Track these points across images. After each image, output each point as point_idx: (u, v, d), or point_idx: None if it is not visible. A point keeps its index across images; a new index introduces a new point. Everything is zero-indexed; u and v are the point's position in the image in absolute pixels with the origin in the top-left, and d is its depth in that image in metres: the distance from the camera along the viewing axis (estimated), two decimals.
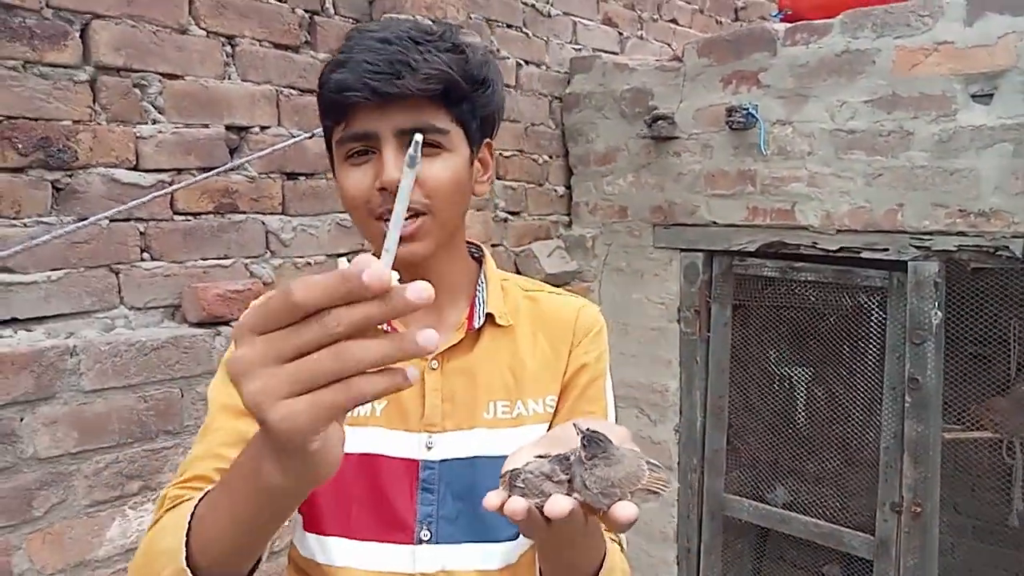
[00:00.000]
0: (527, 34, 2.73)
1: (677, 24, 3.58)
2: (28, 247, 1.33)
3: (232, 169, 1.76)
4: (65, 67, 1.52)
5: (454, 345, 0.89)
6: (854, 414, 2.51)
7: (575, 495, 0.59)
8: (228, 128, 1.79)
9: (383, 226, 0.82)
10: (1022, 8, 1.94)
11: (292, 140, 1.83)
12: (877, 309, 2.34)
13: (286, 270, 1.90)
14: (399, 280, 0.47)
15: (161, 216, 1.67)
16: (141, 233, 1.64)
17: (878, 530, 2.27)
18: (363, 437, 0.86)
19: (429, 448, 0.86)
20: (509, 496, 0.59)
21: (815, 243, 2.31)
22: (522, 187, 2.72)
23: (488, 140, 0.91)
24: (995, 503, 2.73)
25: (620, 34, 3.22)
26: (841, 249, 2.27)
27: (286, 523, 0.64)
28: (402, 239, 0.80)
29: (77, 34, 1.53)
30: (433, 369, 0.88)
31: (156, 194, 1.56)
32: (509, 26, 2.65)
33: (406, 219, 0.80)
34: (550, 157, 2.84)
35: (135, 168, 1.63)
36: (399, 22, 0.86)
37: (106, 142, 1.58)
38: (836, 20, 2.24)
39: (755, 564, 3.01)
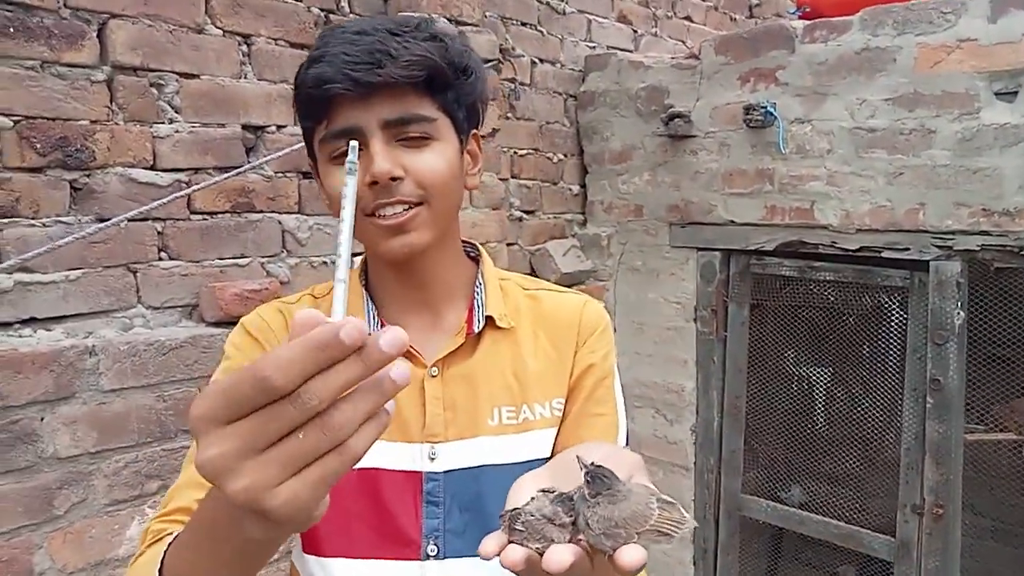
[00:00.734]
0: (542, 32, 2.71)
1: (691, 21, 3.55)
2: (52, 248, 1.33)
3: (252, 169, 1.75)
4: (83, 67, 1.52)
5: (454, 350, 0.85)
6: (873, 415, 2.48)
7: (580, 537, 0.54)
8: (244, 127, 1.78)
9: (377, 222, 0.78)
10: None
11: None
12: (898, 309, 2.32)
13: (302, 269, 1.89)
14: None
15: (178, 215, 1.67)
16: (158, 232, 1.64)
17: (899, 532, 2.25)
18: None
19: (432, 459, 0.82)
20: (509, 540, 0.55)
21: (834, 242, 2.29)
22: (537, 185, 2.70)
23: (475, 132, 0.87)
24: (1015, 505, 2.70)
25: (634, 31, 3.20)
26: (861, 249, 2.24)
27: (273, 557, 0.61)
28: (396, 230, 0.79)
29: (94, 34, 1.52)
30: (433, 376, 0.84)
31: (177, 195, 1.56)
32: (524, 24, 2.64)
33: (400, 211, 0.78)
34: (565, 155, 2.82)
35: (152, 168, 1.63)
36: (372, 18, 0.83)
37: (123, 142, 1.58)
38: (855, 17, 2.21)
39: (770, 564, 2.99)
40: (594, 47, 2.95)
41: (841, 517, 2.45)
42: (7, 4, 1.40)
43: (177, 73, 1.65)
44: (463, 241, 0.93)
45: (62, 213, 1.50)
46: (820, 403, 2.71)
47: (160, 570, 0.62)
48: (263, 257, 1.82)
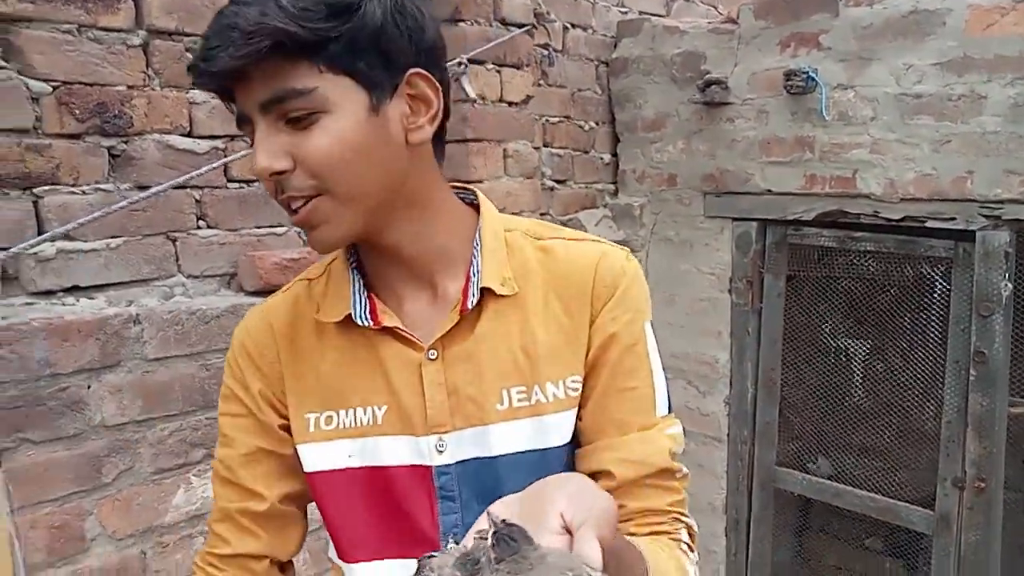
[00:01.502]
0: None
1: None
2: (96, 217, 1.32)
3: None
4: (119, 31, 1.49)
5: (451, 328, 0.75)
6: (913, 387, 2.45)
7: None
8: None
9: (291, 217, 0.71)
10: None
11: None
12: (941, 280, 2.27)
13: None
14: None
15: (216, 183, 1.65)
16: (196, 201, 1.62)
17: (938, 505, 2.23)
18: (367, 449, 0.77)
19: (440, 451, 0.75)
20: None
21: (876, 212, 2.24)
22: (568, 154, 2.66)
23: (418, 70, 0.70)
24: None
25: None
26: (905, 218, 2.19)
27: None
28: (304, 225, 0.70)
29: None
30: (432, 360, 0.75)
31: (216, 163, 1.54)
32: None
33: (299, 205, 0.68)
34: (596, 124, 2.77)
35: (189, 135, 1.60)
36: None
37: (160, 108, 1.56)
38: None
39: (797, 536, 2.98)
40: (626, 12, 2.88)
41: (876, 490, 2.43)
42: None
43: None
44: (457, 187, 0.81)
45: (101, 180, 1.48)
46: (857, 375, 2.68)
47: None
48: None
